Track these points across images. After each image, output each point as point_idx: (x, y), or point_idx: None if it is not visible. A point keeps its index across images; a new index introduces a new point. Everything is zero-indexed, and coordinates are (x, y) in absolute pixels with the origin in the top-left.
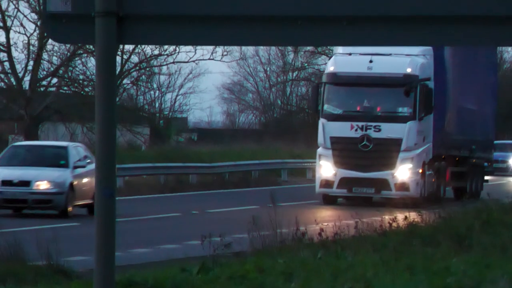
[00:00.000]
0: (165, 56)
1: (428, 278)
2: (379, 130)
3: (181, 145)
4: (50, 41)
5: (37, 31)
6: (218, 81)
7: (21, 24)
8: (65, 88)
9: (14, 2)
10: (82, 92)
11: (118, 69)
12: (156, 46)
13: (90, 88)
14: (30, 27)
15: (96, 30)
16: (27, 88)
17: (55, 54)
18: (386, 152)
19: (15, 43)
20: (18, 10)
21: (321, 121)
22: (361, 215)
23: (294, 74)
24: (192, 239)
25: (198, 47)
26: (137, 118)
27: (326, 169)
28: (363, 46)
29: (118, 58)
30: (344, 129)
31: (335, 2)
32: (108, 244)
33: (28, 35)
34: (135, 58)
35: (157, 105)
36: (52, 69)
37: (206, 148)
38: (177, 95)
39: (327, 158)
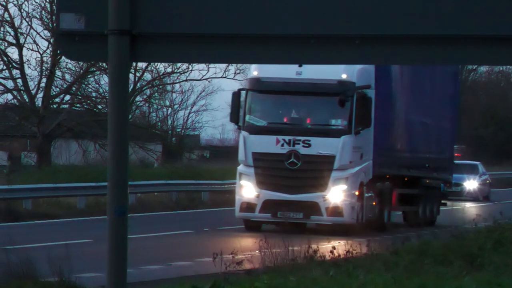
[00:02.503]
0: (178, 74)
1: None
2: (309, 145)
3: (193, 162)
4: (63, 58)
5: (50, 49)
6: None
7: (34, 42)
8: (78, 105)
9: (27, 19)
10: (94, 110)
11: (131, 86)
12: (169, 64)
13: (102, 106)
14: (43, 44)
15: (109, 48)
16: (39, 105)
17: (68, 71)
18: (317, 171)
19: (28, 60)
20: (31, 28)
21: (242, 134)
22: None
23: None
24: (203, 257)
25: (211, 65)
26: (150, 136)
27: (247, 190)
28: (375, 64)
29: (131, 76)
30: (268, 144)
31: (347, 21)
32: (120, 261)
33: (41, 52)
34: (148, 76)
35: (169, 122)
36: (65, 86)
37: (218, 165)
38: (189, 113)
39: (249, 177)
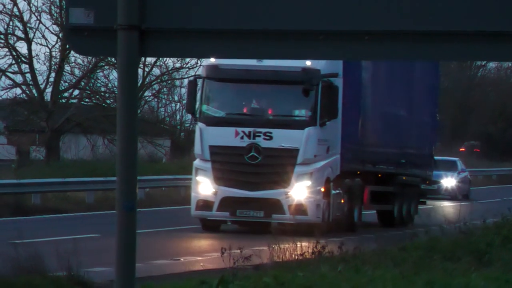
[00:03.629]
0: (187, 69)
1: None
2: (271, 138)
3: None
4: (72, 53)
5: (59, 43)
6: None
7: (43, 36)
8: (87, 100)
9: (36, 14)
10: (103, 104)
11: (139, 81)
12: (178, 59)
13: (111, 100)
14: (52, 39)
15: (118, 43)
16: (48, 100)
17: (76, 66)
18: (279, 166)
19: (37, 55)
20: (40, 22)
21: (199, 125)
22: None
23: None
24: (212, 252)
25: None
26: (158, 131)
27: (204, 186)
28: (386, 60)
29: (140, 71)
30: (226, 137)
31: (356, 17)
32: (129, 256)
33: (50, 47)
34: (156, 71)
35: (178, 117)
36: (74, 81)
37: None
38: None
39: (206, 173)
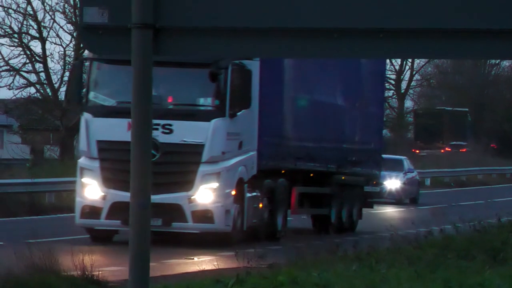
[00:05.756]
0: None
1: None
2: (171, 131)
3: None
4: (86, 52)
5: (73, 42)
6: None
7: (57, 35)
8: None
9: (50, 13)
10: None
11: None
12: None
13: None
14: (66, 38)
15: (133, 41)
16: (62, 99)
17: None
18: (180, 165)
19: (51, 54)
20: (54, 21)
21: (84, 116)
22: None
23: None
24: (226, 251)
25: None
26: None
27: (90, 190)
28: (399, 58)
29: None
30: (117, 130)
31: (371, 15)
32: (143, 255)
33: (64, 46)
34: None
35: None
36: None
37: None
38: None
39: (93, 173)
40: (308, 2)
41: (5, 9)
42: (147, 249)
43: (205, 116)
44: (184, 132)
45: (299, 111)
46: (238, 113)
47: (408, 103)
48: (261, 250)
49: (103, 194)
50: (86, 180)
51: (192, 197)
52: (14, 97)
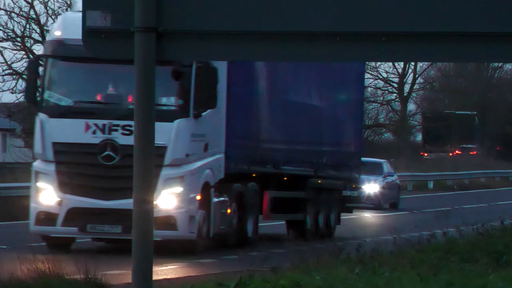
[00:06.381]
0: None
1: None
2: (131, 132)
3: None
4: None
5: None
6: None
7: None
8: None
9: (53, 16)
10: None
11: None
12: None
13: None
14: None
15: (135, 45)
16: None
17: None
18: None
19: None
20: None
21: (40, 117)
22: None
23: None
24: (229, 254)
25: None
26: None
27: (46, 195)
28: (402, 61)
29: None
30: (75, 131)
31: (373, 18)
32: (146, 258)
33: None
34: None
35: None
36: None
37: None
38: None
39: (48, 177)
40: (311, 6)
41: (8, 12)
42: (150, 252)
43: (168, 116)
44: None
45: (271, 112)
46: (203, 113)
47: (411, 106)
48: (264, 253)
49: (59, 199)
50: (41, 184)
51: (154, 202)
52: (17, 101)
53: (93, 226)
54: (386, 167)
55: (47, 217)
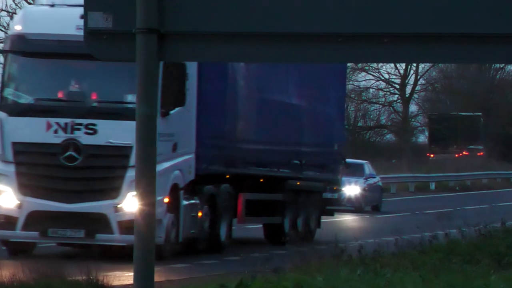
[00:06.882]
0: None
1: None
2: (95, 131)
3: None
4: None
5: None
6: None
7: None
8: None
9: None
10: None
11: None
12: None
13: None
14: None
15: (137, 46)
16: None
17: None
18: (106, 170)
19: None
20: None
21: None
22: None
23: None
24: (231, 255)
25: None
26: None
27: (5, 197)
28: (404, 62)
29: None
30: (35, 130)
31: (375, 19)
32: (147, 259)
33: None
34: None
35: None
36: None
37: None
38: None
39: (7, 178)
40: (313, 7)
41: (10, 14)
42: (152, 253)
43: (134, 114)
44: (110, 132)
45: (247, 110)
46: (171, 112)
47: (413, 108)
48: (266, 255)
49: (18, 202)
50: (0, 186)
51: (118, 206)
52: None
53: (54, 230)
54: (368, 168)
55: (7, 221)
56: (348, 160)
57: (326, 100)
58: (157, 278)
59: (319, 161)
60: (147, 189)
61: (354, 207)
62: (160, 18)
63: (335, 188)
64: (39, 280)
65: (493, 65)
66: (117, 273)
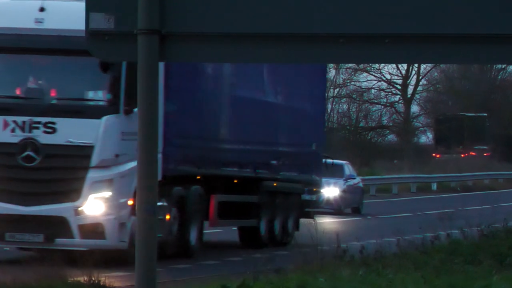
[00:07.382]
0: None
1: None
2: (54, 130)
3: None
4: None
5: None
6: None
7: None
8: None
9: None
10: None
11: None
12: None
13: None
14: None
15: (139, 47)
16: None
17: None
18: (65, 170)
19: None
20: None
21: None
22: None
23: (336, 91)
24: (233, 256)
25: None
26: None
27: None
28: (406, 63)
29: None
30: None
31: (376, 20)
32: (149, 260)
33: None
34: None
35: None
36: None
37: None
38: None
39: None
40: (314, 8)
41: None
42: (154, 253)
43: (95, 112)
44: (70, 131)
45: (218, 108)
46: (136, 109)
47: (414, 108)
48: (268, 255)
49: None
50: None
51: (79, 209)
52: None
53: (12, 234)
54: (348, 169)
55: None
56: (328, 160)
57: (304, 99)
58: (159, 278)
59: (296, 162)
60: (149, 189)
61: (333, 209)
62: (161, 19)
63: (314, 189)
64: (41, 281)
65: (494, 66)
66: (119, 273)
